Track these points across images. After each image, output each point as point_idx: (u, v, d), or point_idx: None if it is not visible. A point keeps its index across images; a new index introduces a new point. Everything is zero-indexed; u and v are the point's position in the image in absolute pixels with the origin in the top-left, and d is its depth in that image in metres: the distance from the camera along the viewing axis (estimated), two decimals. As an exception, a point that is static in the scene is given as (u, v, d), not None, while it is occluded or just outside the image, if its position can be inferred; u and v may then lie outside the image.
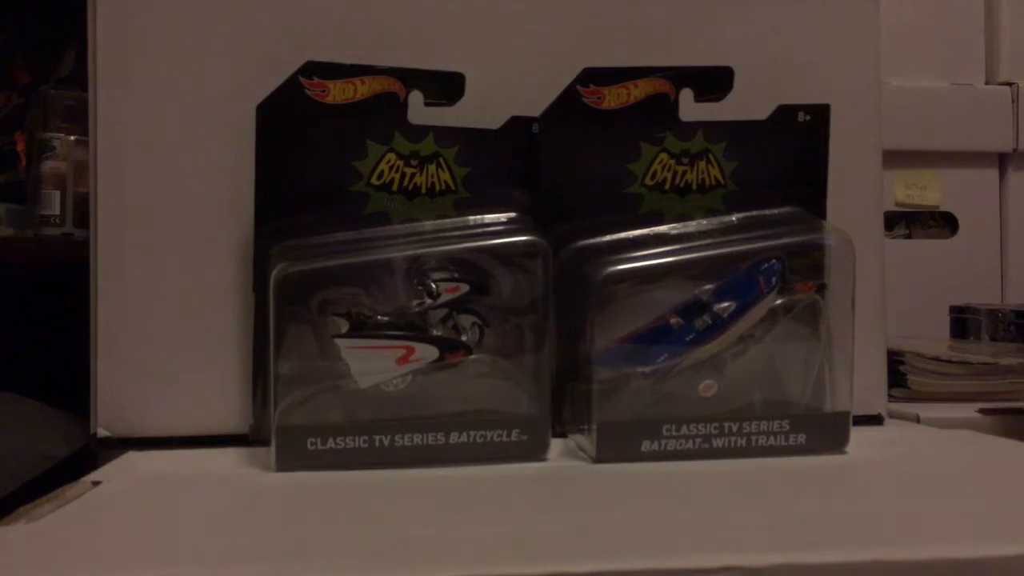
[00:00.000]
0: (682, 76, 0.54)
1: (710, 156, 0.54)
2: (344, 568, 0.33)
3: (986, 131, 1.10)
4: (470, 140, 0.53)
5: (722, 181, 0.55)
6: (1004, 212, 1.12)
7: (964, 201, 1.11)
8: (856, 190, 0.60)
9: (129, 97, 0.55)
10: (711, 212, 0.54)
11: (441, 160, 0.53)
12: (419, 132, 0.52)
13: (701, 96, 0.55)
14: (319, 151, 0.52)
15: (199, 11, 0.55)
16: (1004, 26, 1.12)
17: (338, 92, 0.52)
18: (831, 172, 0.56)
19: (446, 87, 0.53)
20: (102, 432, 0.54)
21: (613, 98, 0.53)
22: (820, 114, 0.56)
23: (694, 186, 0.54)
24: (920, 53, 1.09)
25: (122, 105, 0.55)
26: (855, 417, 0.52)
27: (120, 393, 0.54)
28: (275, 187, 0.52)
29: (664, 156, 0.54)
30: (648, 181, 0.54)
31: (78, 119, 0.96)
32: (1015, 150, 1.10)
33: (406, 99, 0.53)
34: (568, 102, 0.53)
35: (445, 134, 0.53)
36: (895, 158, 1.05)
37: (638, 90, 0.53)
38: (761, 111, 0.55)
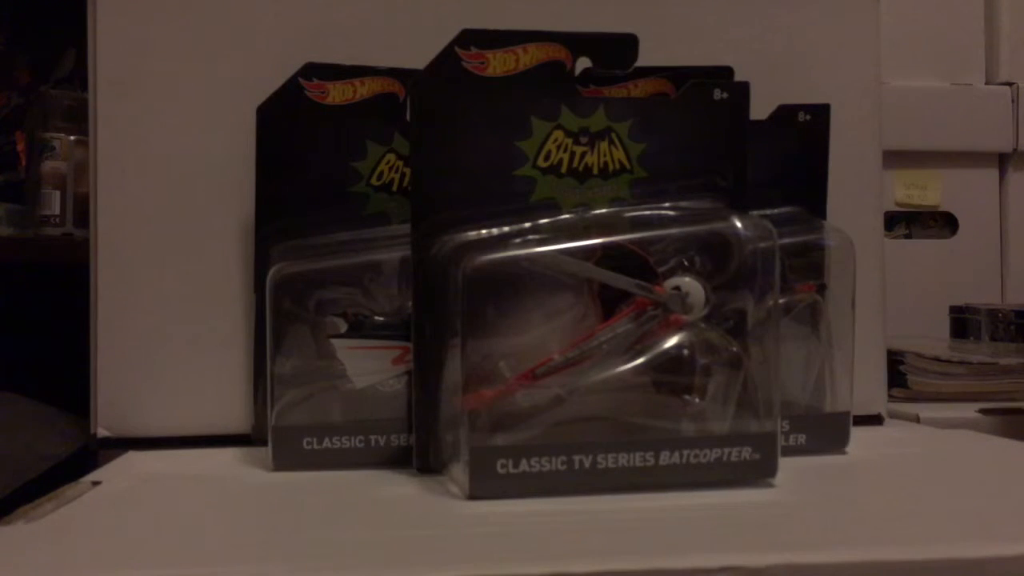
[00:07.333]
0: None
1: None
2: (342, 568, 0.33)
3: (986, 131, 1.10)
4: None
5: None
6: (1004, 212, 1.12)
7: (964, 201, 1.11)
8: (856, 190, 0.60)
9: (129, 97, 0.55)
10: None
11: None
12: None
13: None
14: (319, 152, 0.52)
15: (199, 11, 0.55)
16: (1004, 26, 1.12)
17: (338, 93, 0.52)
18: (831, 172, 0.56)
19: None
20: (102, 432, 0.54)
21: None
22: (820, 114, 0.56)
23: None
24: (920, 53, 1.09)
25: (122, 105, 0.55)
26: (855, 417, 0.52)
27: (120, 393, 0.54)
28: (275, 188, 0.52)
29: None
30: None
31: (78, 119, 0.97)
32: (1015, 150, 1.10)
33: (406, 99, 0.53)
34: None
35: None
36: (895, 158, 1.05)
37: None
38: (761, 111, 0.55)
